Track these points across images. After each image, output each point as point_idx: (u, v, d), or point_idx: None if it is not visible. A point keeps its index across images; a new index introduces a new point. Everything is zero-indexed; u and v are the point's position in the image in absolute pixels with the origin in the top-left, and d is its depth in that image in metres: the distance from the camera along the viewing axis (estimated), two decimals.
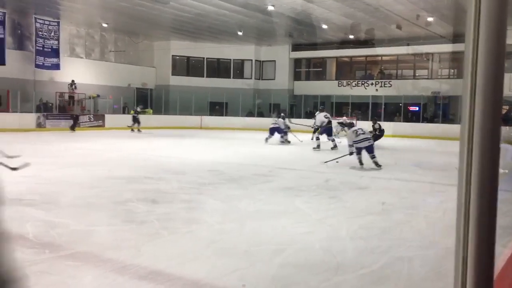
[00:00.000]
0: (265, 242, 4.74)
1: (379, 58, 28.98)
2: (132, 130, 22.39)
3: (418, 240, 4.98)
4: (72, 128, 21.78)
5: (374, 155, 10.52)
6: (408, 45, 25.85)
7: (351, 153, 10.76)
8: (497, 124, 0.79)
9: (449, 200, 6.88)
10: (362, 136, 10.62)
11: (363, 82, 28.85)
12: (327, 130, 15.48)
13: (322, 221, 5.70)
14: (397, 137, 22.27)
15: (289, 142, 16.92)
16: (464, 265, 0.81)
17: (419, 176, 10.24)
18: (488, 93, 0.79)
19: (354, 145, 10.58)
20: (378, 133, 16.38)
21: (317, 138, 15.45)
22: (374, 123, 16.86)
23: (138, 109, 22.96)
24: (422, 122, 25.53)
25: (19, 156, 8.71)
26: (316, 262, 4.17)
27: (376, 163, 10.48)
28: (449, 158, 11.89)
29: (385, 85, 28.06)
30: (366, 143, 10.62)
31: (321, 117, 15.62)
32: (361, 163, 10.57)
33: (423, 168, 11.61)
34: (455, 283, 0.85)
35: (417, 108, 26.94)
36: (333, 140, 15.42)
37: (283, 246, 4.59)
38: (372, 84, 28.48)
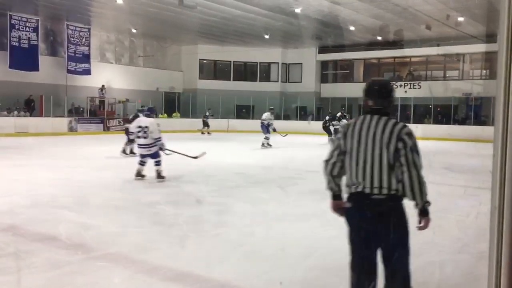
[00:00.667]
0: (293, 245, 4.72)
1: (408, 59, 28.54)
2: (202, 133, 24.16)
3: (450, 244, 4.87)
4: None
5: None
6: (438, 45, 25.37)
7: None
8: None
9: (481, 204, 6.71)
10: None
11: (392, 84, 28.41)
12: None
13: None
14: (427, 139, 21.86)
15: (270, 145, 16.73)
16: (498, 269, 0.79)
17: (450, 179, 10.02)
18: None
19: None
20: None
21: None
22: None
23: (208, 113, 24.95)
24: (453, 124, 24.99)
25: (204, 154, 10.59)
26: (344, 266, 4.11)
27: None
28: (481, 161, 11.60)
29: (414, 87, 27.60)
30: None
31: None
32: None
33: (455, 171, 11.36)
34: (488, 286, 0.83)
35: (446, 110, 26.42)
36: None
37: (311, 249, 4.57)
38: (401, 85, 28.04)
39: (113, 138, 20.14)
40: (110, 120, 23.87)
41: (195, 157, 10.13)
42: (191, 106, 28.68)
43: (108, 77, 25.62)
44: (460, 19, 20.56)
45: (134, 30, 25.46)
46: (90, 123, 23.03)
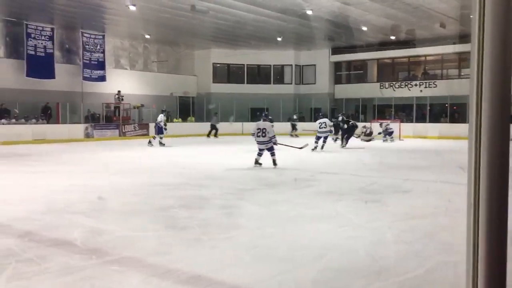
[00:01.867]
0: (307, 246, 4.70)
1: (423, 58, 28.26)
2: (291, 135, 25.26)
3: (465, 245, 4.79)
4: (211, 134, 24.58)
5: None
6: (454, 43, 25.09)
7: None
8: (505, 123, 0.76)
9: None
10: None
11: (406, 84, 28.18)
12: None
13: (364, 226, 5.60)
14: (443, 138, 21.61)
15: (163, 144, 17.81)
16: (475, 269, 0.78)
17: (465, 178, 9.84)
18: (495, 91, 0.77)
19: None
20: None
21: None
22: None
23: (295, 116, 26.87)
24: (468, 122, 24.57)
25: (307, 145, 14.92)
26: (358, 267, 4.10)
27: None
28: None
29: (430, 86, 27.31)
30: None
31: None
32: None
33: None
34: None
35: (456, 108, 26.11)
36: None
37: (324, 250, 4.55)
38: (416, 85, 27.78)
39: (129, 143, 20.35)
40: (126, 126, 24.10)
41: (301, 148, 14.67)
42: (205, 111, 28.78)
43: (123, 83, 25.88)
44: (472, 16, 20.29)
45: (147, 36, 25.69)
46: (106, 129, 23.29)
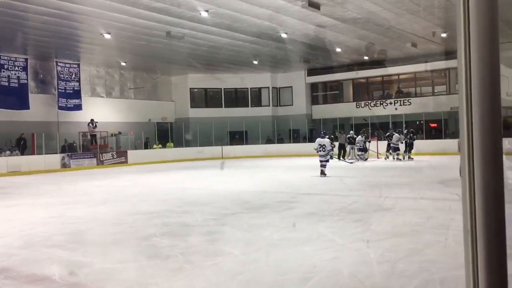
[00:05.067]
0: (292, 270, 4.66)
1: (396, 76, 28.88)
2: (386, 156, 22.36)
3: (449, 261, 4.82)
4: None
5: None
6: (425, 62, 25.74)
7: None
8: (497, 133, 0.76)
9: None
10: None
11: (381, 102, 28.70)
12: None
13: (347, 246, 5.59)
14: (420, 154, 21.94)
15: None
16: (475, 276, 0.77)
17: (446, 194, 10.00)
18: (485, 101, 0.77)
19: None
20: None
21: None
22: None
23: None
24: (444, 138, 25.11)
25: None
26: None
27: None
28: None
29: (404, 103, 27.86)
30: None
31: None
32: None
33: (450, 185, 11.34)
34: None
35: (436, 125, 26.62)
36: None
37: (310, 274, 4.51)
38: (391, 103, 28.30)
39: (107, 172, 20.05)
40: (104, 154, 23.79)
41: (351, 162, 18.28)
42: (184, 136, 28.68)
43: (100, 111, 25.66)
44: (444, 35, 20.90)
45: (123, 63, 25.63)
46: (83, 158, 22.93)
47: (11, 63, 21.67)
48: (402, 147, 21.53)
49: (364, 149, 21.87)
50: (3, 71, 21.38)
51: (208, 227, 7.04)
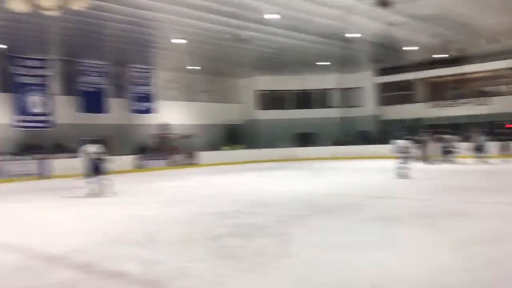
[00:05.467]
0: (361, 276, 4.55)
1: (473, 75, 27.36)
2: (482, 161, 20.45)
3: None
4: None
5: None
6: (505, 59, 24.22)
7: None
8: None
9: None
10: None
11: (455, 102, 27.32)
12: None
13: (421, 252, 5.38)
14: (502, 157, 20.66)
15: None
16: None
17: None
18: None
19: None
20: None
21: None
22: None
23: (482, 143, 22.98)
24: None
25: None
26: None
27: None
28: None
29: (481, 103, 26.33)
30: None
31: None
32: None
33: None
34: None
35: None
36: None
37: (380, 279, 4.38)
38: (465, 103, 26.87)
39: (178, 173, 20.69)
40: (175, 155, 24.56)
41: (434, 164, 18.70)
42: (252, 138, 28.98)
43: (171, 114, 26.56)
44: None
45: (194, 68, 26.40)
46: (155, 159, 23.80)
47: (90, 69, 23.04)
48: (486, 149, 20.37)
49: (450, 151, 20.98)
50: (84, 77, 22.79)
51: (277, 229, 7.05)
